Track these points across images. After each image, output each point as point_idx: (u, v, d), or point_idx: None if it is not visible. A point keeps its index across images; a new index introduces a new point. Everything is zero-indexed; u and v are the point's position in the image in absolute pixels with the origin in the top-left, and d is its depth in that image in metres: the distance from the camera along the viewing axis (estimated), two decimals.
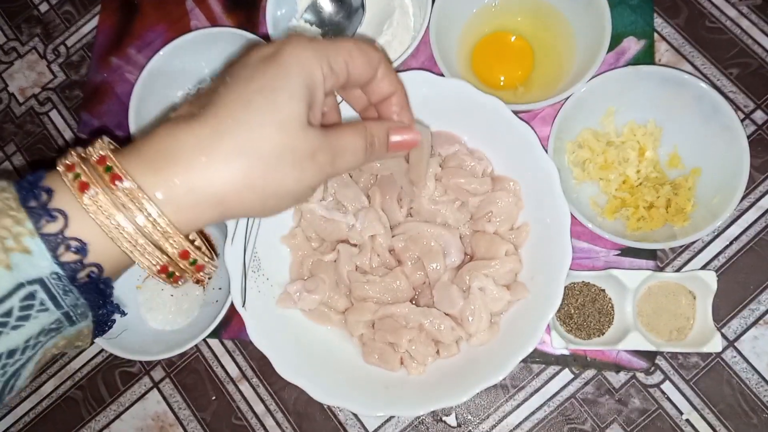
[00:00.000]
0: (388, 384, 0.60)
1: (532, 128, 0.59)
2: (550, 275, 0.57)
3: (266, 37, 0.68)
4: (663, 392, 0.64)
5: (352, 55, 0.42)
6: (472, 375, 0.57)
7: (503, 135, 0.61)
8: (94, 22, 0.82)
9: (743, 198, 0.66)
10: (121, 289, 0.67)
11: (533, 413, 0.65)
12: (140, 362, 0.71)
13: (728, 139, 0.61)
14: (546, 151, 0.59)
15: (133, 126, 0.68)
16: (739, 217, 0.66)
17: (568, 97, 0.63)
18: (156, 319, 0.68)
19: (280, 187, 0.37)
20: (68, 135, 0.79)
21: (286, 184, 0.37)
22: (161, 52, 0.69)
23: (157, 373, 0.70)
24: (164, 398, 0.69)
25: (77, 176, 0.34)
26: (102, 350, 0.71)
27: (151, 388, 0.70)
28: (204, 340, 0.70)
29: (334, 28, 0.72)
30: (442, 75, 0.63)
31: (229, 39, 0.70)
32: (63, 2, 0.84)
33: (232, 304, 0.60)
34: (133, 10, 0.80)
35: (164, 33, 0.79)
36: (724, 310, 0.64)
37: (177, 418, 0.69)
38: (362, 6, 0.71)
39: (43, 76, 0.82)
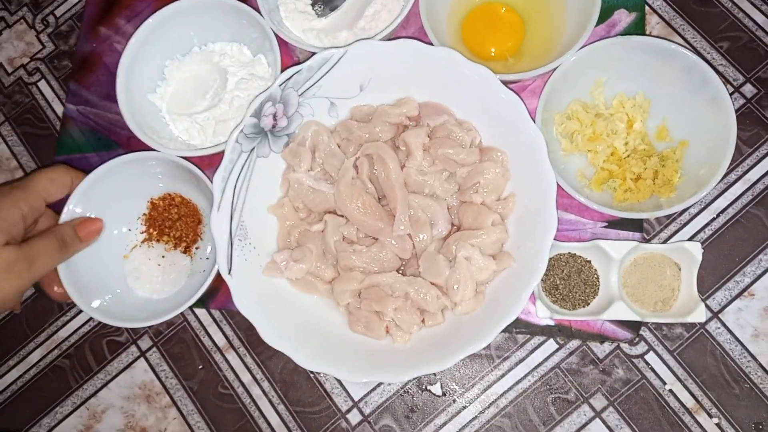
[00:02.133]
0: (373, 352, 0.60)
1: (521, 98, 0.59)
2: (535, 245, 0.58)
3: (256, 7, 0.68)
4: (647, 363, 0.64)
5: (46, 189, 0.61)
6: (456, 342, 0.57)
7: (492, 105, 0.61)
8: None
9: (731, 171, 0.67)
10: (108, 259, 0.67)
11: (517, 383, 0.65)
12: (127, 331, 0.71)
13: (716, 110, 0.61)
14: (534, 122, 0.59)
15: (122, 96, 0.67)
16: (726, 189, 0.66)
17: (556, 68, 0.63)
18: (143, 287, 0.68)
19: None
20: (57, 105, 0.78)
21: None
22: (149, 21, 0.69)
23: (144, 343, 0.70)
24: (151, 367, 0.70)
25: None
26: (89, 319, 0.71)
27: (138, 357, 0.70)
28: (191, 309, 0.70)
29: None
30: (431, 45, 0.63)
31: (218, 8, 0.70)
32: None
33: (218, 274, 0.60)
34: None
35: (153, 2, 0.78)
36: (709, 282, 0.65)
37: (164, 386, 0.69)
38: None
39: (32, 46, 0.81)
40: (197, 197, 0.70)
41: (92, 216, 0.65)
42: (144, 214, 0.70)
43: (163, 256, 0.69)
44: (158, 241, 0.70)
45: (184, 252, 0.69)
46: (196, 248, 0.69)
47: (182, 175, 0.67)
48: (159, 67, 0.72)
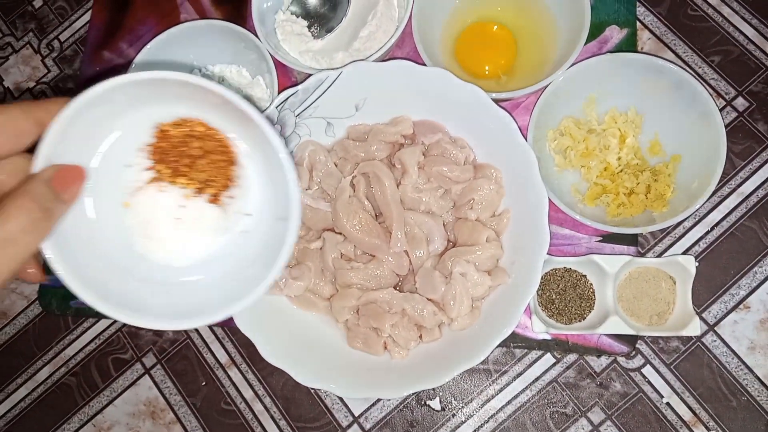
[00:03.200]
0: (371, 368, 0.61)
1: (512, 116, 0.60)
2: (529, 260, 0.59)
3: (253, 30, 0.69)
4: (644, 376, 0.64)
5: None
6: (453, 358, 0.58)
7: (484, 123, 0.62)
8: (87, 16, 0.83)
9: (724, 184, 0.67)
10: (99, 212, 0.45)
11: (516, 397, 0.66)
12: (132, 349, 0.72)
13: (706, 125, 0.61)
14: (526, 140, 0.60)
15: None
16: (719, 203, 0.67)
17: (548, 85, 0.64)
18: (156, 250, 0.47)
19: None
20: None
21: None
22: (149, 45, 0.70)
23: (149, 360, 0.72)
24: (155, 384, 0.71)
25: None
26: (95, 337, 0.73)
27: (143, 374, 0.71)
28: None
29: (320, 20, 0.73)
30: (425, 65, 0.64)
31: (216, 31, 0.71)
32: None
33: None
34: (125, 5, 0.82)
35: (155, 27, 0.80)
36: (704, 295, 0.65)
37: (168, 403, 0.70)
38: None
39: (38, 70, 0.83)
40: (230, 128, 0.47)
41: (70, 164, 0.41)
42: (150, 145, 0.46)
43: (182, 206, 0.46)
44: (172, 183, 0.46)
45: (212, 202, 0.47)
46: (229, 197, 0.47)
47: (209, 100, 0.43)
48: None
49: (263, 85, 0.72)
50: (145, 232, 0.47)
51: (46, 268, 0.41)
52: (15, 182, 0.39)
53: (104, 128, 0.44)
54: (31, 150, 0.39)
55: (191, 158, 0.46)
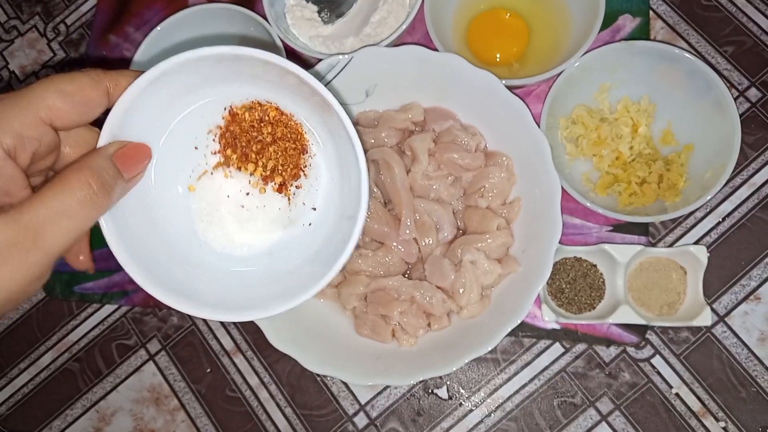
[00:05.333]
0: (379, 355, 0.61)
1: (525, 103, 0.59)
2: (540, 249, 0.58)
3: (263, 14, 0.69)
4: (653, 366, 0.64)
5: (53, 108, 0.36)
6: (462, 346, 0.58)
7: (496, 110, 0.62)
8: (93, 0, 0.82)
9: (736, 174, 0.67)
10: (162, 196, 0.44)
11: (524, 386, 0.65)
12: (136, 334, 0.71)
13: (720, 114, 0.61)
14: (539, 127, 0.59)
15: None
16: (731, 193, 0.66)
17: (561, 73, 0.63)
18: (217, 237, 0.46)
19: None
20: None
21: None
22: (157, 29, 0.70)
23: (153, 346, 0.71)
24: (160, 370, 0.70)
25: None
26: (100, 323, 0.72)
27: (147, 361, 0.71)
28: None
29: (330, 5, 0.72)
30: (436, 51, 0.64)
31: (224, 15, 0.71)
32: None
33: None
34: None
35: (162, 11, 0.80)
36: (715, 285, 0.65)
37: (172, 389, 0.70)
38: None
39: (44, 53, 0.82)
40: (305, 115, 0.46)
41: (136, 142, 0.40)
42: (219, 127, 0.46)
43: (247, 193, 0.46)
44: (240, 169, 0.46)
45: (279, 191, 0.47)
46: (296, 188, 0.47)
47: (286, 83, 0.43)
48: None
49: None
50: (208, 218, 0.46)
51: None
52: (79, 155, 0.38)
53: (174, 106, 0.43)
54: (100, 122, 0.38)
55: (261, 144, 0.45)
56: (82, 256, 0.41)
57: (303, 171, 0.47)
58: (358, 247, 0.63)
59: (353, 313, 0.63)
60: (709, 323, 0.60)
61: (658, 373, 0.64)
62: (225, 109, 0.45)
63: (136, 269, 0.40)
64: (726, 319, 0.64)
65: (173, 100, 0.42)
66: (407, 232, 0.61)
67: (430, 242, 0.62)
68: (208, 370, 0.70)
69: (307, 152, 0.47)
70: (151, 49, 0.70)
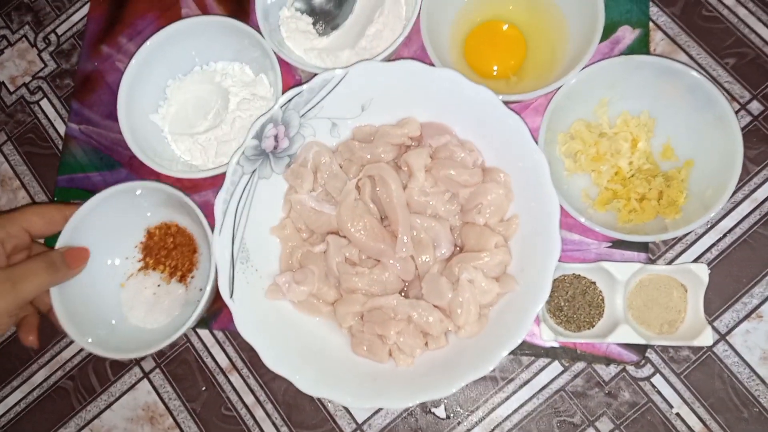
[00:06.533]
0: (376, 376, 0.60)
1: (522, 119, 0.58)
2: (538, 268, 0.57)
3: (256, 27, 0.67)
4: (653, 385, 0.63)
5: (31, 221, 0.61)
6: (460, 367, 0.57)
7: (493, 125, 0.61)
8: (85, 9, 0.81)
9: (737, 190, 0.66)
10: (104, 289, 0.67)
11: (522, 405, 0.64)
12: (113, 359, 0.70)
13: (722, 130, 0.60)
14: (536, 142, 0.58)
15: (123, 117, 0.67)
16: (732, 209, 0.65)
17: (559, 88, 0.62)
18: (137, 316, 0.67)
19: None
20: (59, 125, 0.78)
21: None
22: (150, 41, 0.68)
23: (148, 364, 0.70)
24: (154, 388, 0.70)
25: None
26: None
27: (142, 379, 0.70)
28: (194, 330, 0.70)
29: (325, 17, 0.71)
30: (433, 65, 0.63)
31: (218, 28, 0.69)
32: None
33: (217, 297, 0.60)
34: None
35: (155, 21, 0.78)
36: (716, 303, 0.64)
37: (167, 408, 0.69)
38: None
39: (34, 64, 0.81)
40: (192, 226, 0.69)
41: (81, 246, 0.64)
42: (141, 243, 0.70)
43: (158, 285, 0.69)
44: (154, 269, 0.69)
45: (180, 281, 0.69)
46: (192, 277, 0.69)
47: (177, 205, 0.66)
48: (160, 87, 0.72)
49: (266, 83, 0.70)
50: (131, 304, 0.68)
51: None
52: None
53: (112, 227, 0.67)
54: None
55: (167, 250, 0.69)
56: (31, 336, 0.63)
57: (195, 265, 0.69)
58: (354, 264, 0.63)
59: (350, 331, 0.62)
60: (710, 343, 0.59)
61: (659, 392, 0.63)
62: (144, 229, 0.70)
63: (75, 330, 0.62)
64: (727, 337, 0.63)
65: (107, 223, 0.66)
66: (404, 249, 0.60)
67: (427, 259, 0.61)
68: (204, 389, 0.69)
69: (197, 251, 0.69)
70: (144, 63, 0.69)
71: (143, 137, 0.68)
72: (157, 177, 0.68)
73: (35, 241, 0.65)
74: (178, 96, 0.72)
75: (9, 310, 0.56)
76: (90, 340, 0.62)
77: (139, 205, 0.68)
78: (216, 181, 0.68)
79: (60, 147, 0.77)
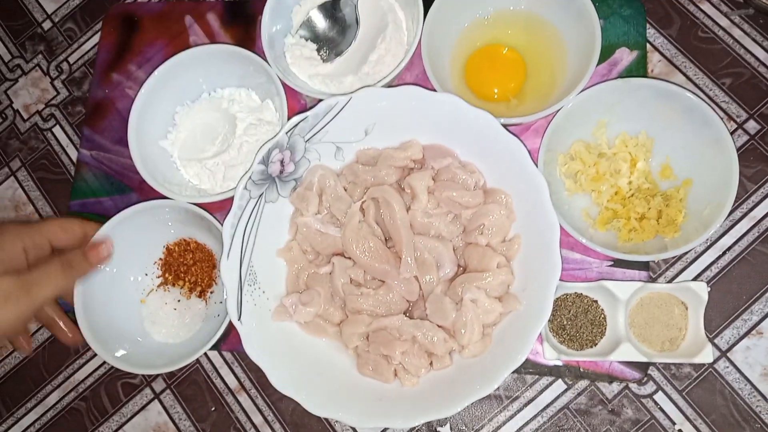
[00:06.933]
0: (382, 396, 0.61)
1: (522, 141, 0.60)
2: (540, 287, 0.58)
3: (262, 53, 0.69)
4: (656, 403, 0.64)
5: (54, 233, 0.63)
6: (464, 386, 0.58)
7: (494, 148, 0.62)
8: (96, 38, 0.84)
9: (736, 208, 0.67)
10: (124, 303, 0.69)
11: (527, 423, 0.65)
12: (142, 374, 0.72)
13: (718, 151, 0.61)
14: (536, 164, 0.59)
15: (133, 143, 0.69)
16: (731, 227, 0.66)
17: (559, 110, 0.63)
18: (159, 332, 0.69)
19: None
20: (71, 151, 0.80)
21: None
22: (159, 70, 0.70)
23: (158, 385, 0.72)
24: (165, 409, 0.71)
25: None
26: (105, 362, 0.73)
27: (152, 399, 0.71)
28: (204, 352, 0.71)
29: (329, 44, 0.73)
30: (434, 89, 0.64)
31: (225, 55, 0.71)
32: (65, 19, 0.85)
33: None
34: (134, 27, 0.82)
35: (164, 48, 0.80)
36: (717, 320, 0.65)
37: (177, 428, 0.70)
38: (356, 21, 0.72)
39: (47, 92, 0.83)
40: (211, 242, 0.71)
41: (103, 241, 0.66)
42: (160, 259, 0.72)
43: (178, 301, 0.71)
44: (174, 285, 0.71)
45: (199, 296, 0.71)
46: (211, 292, 0.71)
47: (195, 221, 0.68)
48: (170, 113, 0.73)
49: (272, 108, 0.72)
50: (153, 319, 0.70)
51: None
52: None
53: (132, 243, 0.68)
54: None
55: (186, 266, 0.71)
56: (26, 344, 0.64)
57: (215, 280, 0.71)
58: (359, 285, 0.64)
59: (355, 352, 0.64)
60: (710, 360, 0.60)
61: (661, 409, 0.64)
62: (163, 246, 0.72)
63: (101, 347, 0.65)
64: (728, 354, 0.64)
65: (128, 241, 0.68)
66: (408, 270, 0.61)
67: (431, 279, 0.62)
68: (213, 409, 0.70)
69: (216, 267, 0.71)
70: (153, 90, 0.71)
71: (153, 163, 0.70)
72: None
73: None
74: (186, 122, 0.74)
75: (22, 318, 0.56)
76: (119, 355, 0.65)
77: (159, 223, 0.70)
78: (224, 204, 0.70)
79: (72, 173, 0.79)
